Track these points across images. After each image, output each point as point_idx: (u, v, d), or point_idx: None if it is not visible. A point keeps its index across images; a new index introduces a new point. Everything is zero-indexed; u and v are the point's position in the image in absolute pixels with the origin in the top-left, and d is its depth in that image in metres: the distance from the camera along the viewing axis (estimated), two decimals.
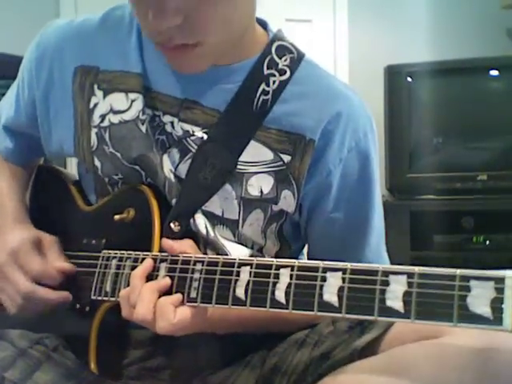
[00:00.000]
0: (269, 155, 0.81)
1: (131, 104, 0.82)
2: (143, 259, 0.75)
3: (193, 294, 0.69)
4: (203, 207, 0.81)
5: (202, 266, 0.70)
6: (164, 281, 0.71)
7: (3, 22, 2.49)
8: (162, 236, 0.77)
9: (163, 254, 0.75)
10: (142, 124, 0.81)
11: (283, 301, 0.64)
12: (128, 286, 0.73)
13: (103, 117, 0.84)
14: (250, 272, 0.67)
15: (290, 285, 0.64)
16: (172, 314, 0.68)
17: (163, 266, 0.73)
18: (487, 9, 2.72)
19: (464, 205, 2.32)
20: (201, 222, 0.80)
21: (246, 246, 0.84)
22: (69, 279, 0.84)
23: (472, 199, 2.31)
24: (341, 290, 0.60)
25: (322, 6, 2.82)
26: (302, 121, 0.81)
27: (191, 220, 0.80)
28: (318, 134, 0.81)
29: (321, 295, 0.61)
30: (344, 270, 0.61)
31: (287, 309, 0.63)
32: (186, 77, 0.80)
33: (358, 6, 2.81)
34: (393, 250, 0.96)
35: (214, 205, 0.81)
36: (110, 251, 0.81)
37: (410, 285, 0.56)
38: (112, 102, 0.84)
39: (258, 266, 0.67)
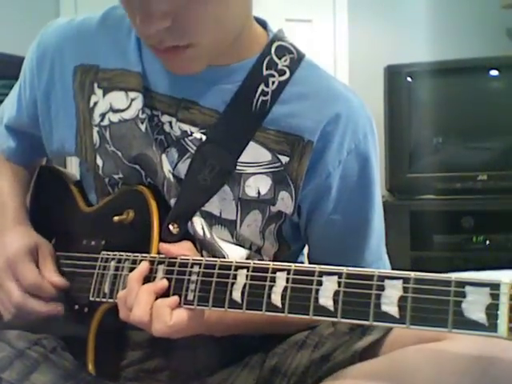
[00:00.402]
0: (267, 156, 0.81)
1: (131, 103, 0.82)
2: (141, 261, 0.75)
3: (190, 297, 0.69)
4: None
5: (200, 268, 0.70)
6: (161, 283, 0.71)
7: (3, 21, 2.49)
8: (160, 238, 0.77)
9: (161, 255, 0.75)
10: (142, 123, 0.81)
11: (279, 304, 0.63)
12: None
13: (103, 115, 0.84)
14: (247, 275, 0.67)
15: (286, 288, 0.63)
16: (168, 317, 0.68)
17: (161, 268, 0.73)
18: (487, 8, 2.72)
19: (464, 205, 2.32)
20: (198, 223, 0.80)
21: (243, 247, 0.84)
22: (63, 291, 0.84)
23: (472, 199, 2.31)
24: (336, 294, 0.60)
25: (322, 6, 2.82)
26: (301, 122, 0.81)
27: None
28: (317, 136, 0.80)
29: (316, 299, 0.61)
30: (340, 274, 0.61)
31: (283, 312, 0.63)
32: (184, 77, 0.79)
33: (357, 6, 2.81)
34: (393, 251, 0.96)
35: (212, 205, 0.81)
36: (108, 252, 0.81)
37: (405, 290, 0.56)
38: (112, 101, 0.84)
39: (255, 269, 0.66)
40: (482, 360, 0.60)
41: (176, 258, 0.73)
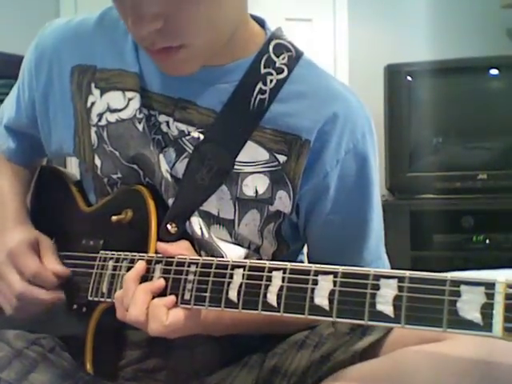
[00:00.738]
0: (264, 155, 0.81)
1: (128, 103, 0.82)
2: (139, 260, 0.75)
3: (186, 296, 0.69)
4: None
5: (196, 267, 0.70)
6: (158, 282, 0.71)
7: (3, 21, 2.49)
8: (158, 237, 0.77)
9: (158, 255, 0.75)
10: (139, 123, 0.81)
11: (275, 304, 0.63)
12: None
13: (101, 116, 0.84)
14: (243, 274, 0.66)
15: (282, 287, 0.63)
16: (164, 316, 0.67)
17: (158, 267, 0.73)
18: (487, 8, 2.72)
19: (464, 204, 2.32)
20: (196, 222, 0.80)
21: (242, 246, 0.84)
22: (65, 281, 0.84)
23: (472, 198, 2.31)
24: (332, 293, 0.60)
25: (322, 5, 2.83)
26: (298, 121, 0.80)
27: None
28: (314, 135, 0.80)
29: (312, 298, 0.61)
30: (335, 274, 0.60)
31: (278, 312, 0.63)
32: (181, 77, 0.79)
33: (358, 6, 2.81)
34: (393, 250, 0.96)
35: (210, 204, 0.81)
36: (107, 252, 0.81)
37: (400, 289, 0.56)
38: (109, 101, 0.84)
39: (252, 268, 0.66)
40: (481, 361, 0.60)
41: (173, 258, 0.73)
